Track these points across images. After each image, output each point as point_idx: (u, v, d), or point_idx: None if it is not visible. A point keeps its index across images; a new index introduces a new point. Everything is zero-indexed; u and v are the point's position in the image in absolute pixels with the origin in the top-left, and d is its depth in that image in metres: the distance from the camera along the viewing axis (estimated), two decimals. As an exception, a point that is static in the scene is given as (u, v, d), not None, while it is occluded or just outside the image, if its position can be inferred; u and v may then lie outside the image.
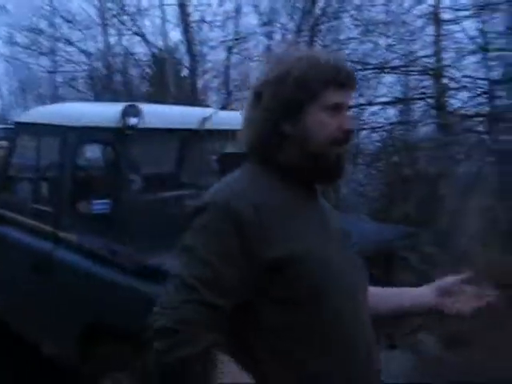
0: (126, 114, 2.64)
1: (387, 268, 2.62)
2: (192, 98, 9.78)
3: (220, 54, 9.58)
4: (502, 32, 7.05)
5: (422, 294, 1.33)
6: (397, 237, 2.77)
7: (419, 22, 8.27)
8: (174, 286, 1.02)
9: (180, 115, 3.04)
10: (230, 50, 9.38)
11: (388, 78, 8.84)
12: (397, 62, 8.48)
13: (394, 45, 8.30)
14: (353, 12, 8.66)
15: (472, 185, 7.83)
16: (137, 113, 2.66)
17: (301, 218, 1.12)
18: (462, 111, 7.87)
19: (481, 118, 7.93)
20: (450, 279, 1.31)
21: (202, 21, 10.18)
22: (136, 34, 10.10)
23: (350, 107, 1.22)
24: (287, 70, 1.15)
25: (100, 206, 2.70)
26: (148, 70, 11.28)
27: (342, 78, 1.16)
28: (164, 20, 9.23)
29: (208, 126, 2.99)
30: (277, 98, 1.14)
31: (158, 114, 2.91)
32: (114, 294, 2.43)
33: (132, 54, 10.97)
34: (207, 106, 9.32)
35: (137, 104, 2.72)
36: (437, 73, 8.14)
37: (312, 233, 1.12)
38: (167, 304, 1.00)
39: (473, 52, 7.63)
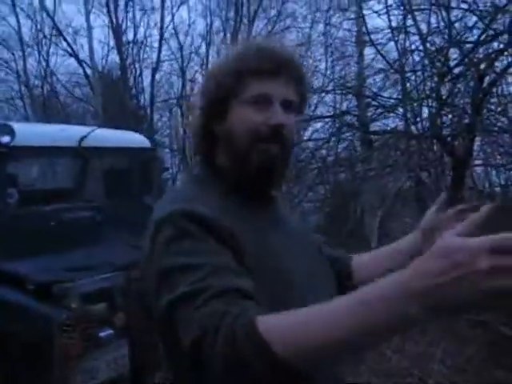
0: (-3, 132, 2.87)
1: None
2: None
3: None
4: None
5: (408, 247, 1.23)
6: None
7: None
8: (192, 309, 0.82)
9: (57, 134, 3.29)
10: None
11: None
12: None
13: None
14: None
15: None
16: (9, 132, 2.88)
17: (256, 234, 1.00)
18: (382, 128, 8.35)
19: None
20: (427, 218, 1.22)
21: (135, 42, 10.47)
22: (70, 54, 10.26)
23: (288, 101, 1.06)
24: (213, 68, 1.10)
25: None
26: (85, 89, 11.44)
27: (262, 66, 1.02)
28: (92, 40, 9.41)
29: (85, 143, 3.22)
30: (204, 99, 1.07)
31: (33, 133, 3.14)
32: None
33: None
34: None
35: (10, 123, 2.94)
36: (357, 91, 8.57)
37: (262, 243, 1.00)
38: (213, 321, 0.79)
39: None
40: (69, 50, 10.21)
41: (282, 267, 0.99)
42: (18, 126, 2.97)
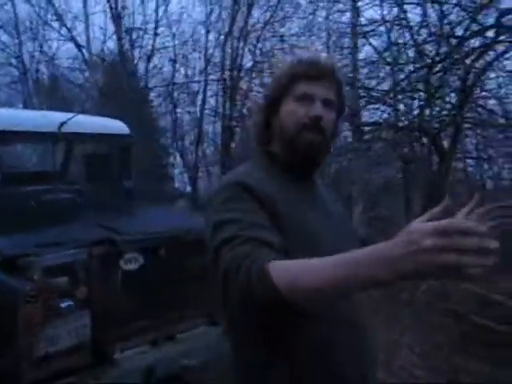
0: (-20, 118, 3.07)
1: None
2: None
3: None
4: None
5: None
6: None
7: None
8: (227, 250, 1.07)
9: (38, 119, 3.49)
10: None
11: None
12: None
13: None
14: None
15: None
16: (-9, 117, 3.08)
17: (296, 204, 1.24)
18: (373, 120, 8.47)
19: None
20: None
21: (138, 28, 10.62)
22: (68, 40, 10.42)
23: (329, 101, 1.30)
24: (276, 73, 1.39)
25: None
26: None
27: (307, 72, 1.29)
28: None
29: (65, 129, 3.41)
30: (267, 97, 1.36)
31: (14, 118, 3.34)
32: None
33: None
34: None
35: (-9, 109, 3.13)
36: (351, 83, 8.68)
37: (303, 219, 1.22)
38: (237, 261, 1.03)
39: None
40: (65, 34, 10.45)
41: (313, 233, 1.22)
42: (1, 111, 3.17)
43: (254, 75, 9.84)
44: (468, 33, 6.46)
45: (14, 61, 11.30)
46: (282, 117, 1.30)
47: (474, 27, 6.35)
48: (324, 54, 1.55)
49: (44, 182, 3.53)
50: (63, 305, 2.41)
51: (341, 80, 1.35)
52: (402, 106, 7.46)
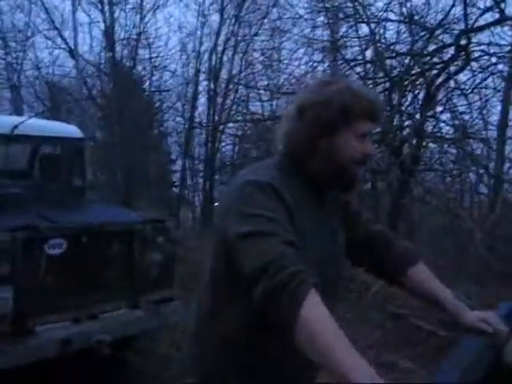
0: None
1: (131, 244, 3.57)
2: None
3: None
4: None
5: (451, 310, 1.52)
6: (143, 220, 3.73)
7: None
8: (254, 243, 1.21)
9: (-7, 123, 3.97)
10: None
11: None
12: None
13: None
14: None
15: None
16: None
17: (307, 210, 1.39)
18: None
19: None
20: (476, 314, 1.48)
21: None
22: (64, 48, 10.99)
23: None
24: (333, 96, 1.37)
25: None
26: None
27: (374, 113, 1.41)
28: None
29: (18, 132, 3.88)
30: (320, 118, 1.37)
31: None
32: None
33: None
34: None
35: None
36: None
37: (314, 230, 1.39)
38: (266, 254, 1.18)
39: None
40: (59, 43, 11.10)
41: (314, 247, 1.37)
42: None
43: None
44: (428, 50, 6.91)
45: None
46: (339, 146, 1.39)
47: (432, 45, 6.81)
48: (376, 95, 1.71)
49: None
50: (-15, 279, 2.86)
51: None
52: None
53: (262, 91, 10.16)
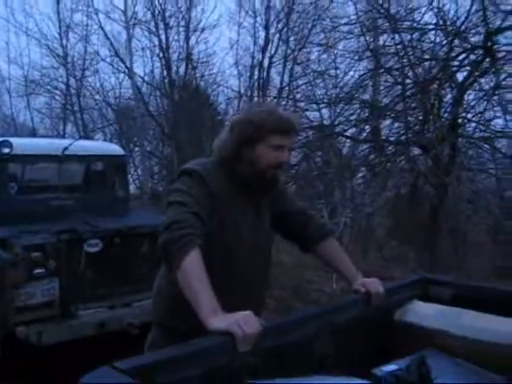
0: (0, 145, 4.44)
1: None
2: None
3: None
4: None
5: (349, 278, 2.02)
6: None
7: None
8: (171, 209, 1.69)
9: (46, 145, 4.83)
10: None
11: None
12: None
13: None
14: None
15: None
16: (8, 145, 4.44)
17: (233, 199, 1.87)
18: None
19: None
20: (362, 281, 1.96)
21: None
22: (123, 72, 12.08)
23: (291, 148, 1.94)
24: (252, 117, 1.85)
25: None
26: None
27: (284, 128, 1.84)
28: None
29: (68, 152, 4.72)
30: (242, 133, 1.84)
31: (26, 145, 4.69)
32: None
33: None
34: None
35: (8, 139, 4.50)
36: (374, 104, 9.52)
37: (236, 214, 1.87)
38: (174, 216, 1.65)
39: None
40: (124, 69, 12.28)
41: (236, 224, 1.88)
42: (14, 140, 4.53)
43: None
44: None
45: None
46: (257, 155, 1.84)
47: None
48: (291, 113, 2.17)
49: (49, 191, 4.85)
50: (36, 271, 3.65)
51: (298, 132, 2.09)
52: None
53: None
